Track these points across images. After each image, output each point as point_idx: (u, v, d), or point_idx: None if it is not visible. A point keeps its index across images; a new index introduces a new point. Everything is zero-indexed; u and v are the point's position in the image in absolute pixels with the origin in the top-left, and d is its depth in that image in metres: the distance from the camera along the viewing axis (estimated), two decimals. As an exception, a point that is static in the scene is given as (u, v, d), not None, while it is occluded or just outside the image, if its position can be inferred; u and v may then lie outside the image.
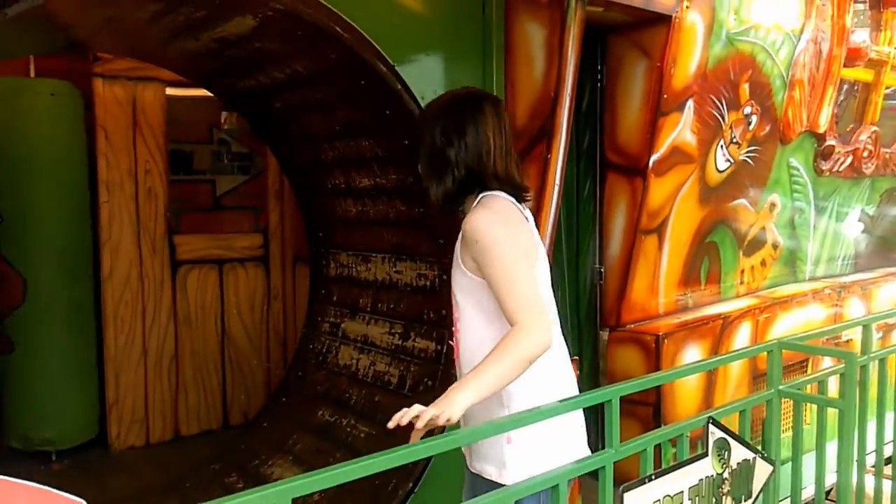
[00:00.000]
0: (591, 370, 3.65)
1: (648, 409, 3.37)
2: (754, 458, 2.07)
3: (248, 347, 4.67)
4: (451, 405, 1.46)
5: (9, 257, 3.97)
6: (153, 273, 4.32)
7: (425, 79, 2.94)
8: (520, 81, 3.06)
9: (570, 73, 2.90)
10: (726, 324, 3.70)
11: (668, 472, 1.79)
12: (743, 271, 4.13)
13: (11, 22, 2.35)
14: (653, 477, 1.75)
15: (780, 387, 2.15)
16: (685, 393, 3.46)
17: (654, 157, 3.36)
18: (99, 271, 4.17)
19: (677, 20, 3.23)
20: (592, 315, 3.69)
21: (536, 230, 1.80)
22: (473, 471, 1.75)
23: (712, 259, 3.90)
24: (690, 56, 3.38)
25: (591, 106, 3.61)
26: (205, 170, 5.11)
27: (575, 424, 1.74)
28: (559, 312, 3.71)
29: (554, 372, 1.74)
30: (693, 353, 3.50)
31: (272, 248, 4.76)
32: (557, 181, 2.98)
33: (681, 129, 3.46)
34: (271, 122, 3.50)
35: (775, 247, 4.28)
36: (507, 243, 1.59)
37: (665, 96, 3.30)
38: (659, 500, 1.77)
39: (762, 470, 2.12)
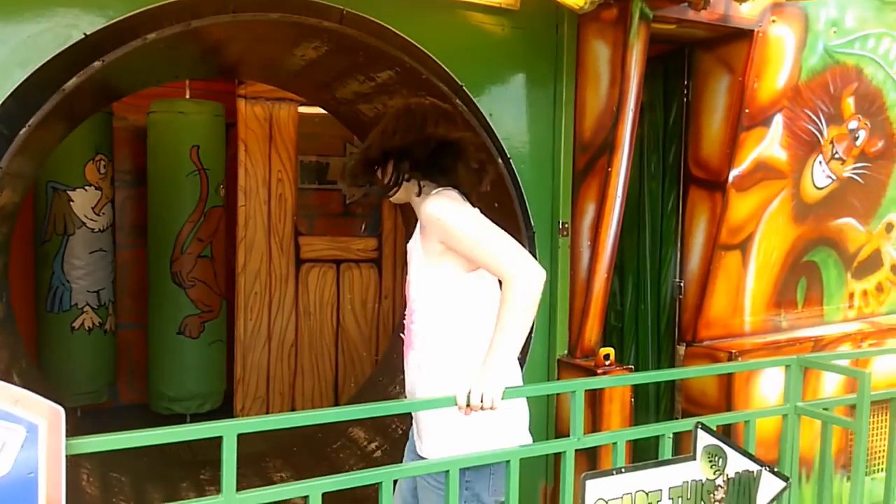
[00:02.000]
0: (667, 384, 3.65)
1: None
2: (759, 471, 2.08)
3: (360, 340, 5.13)
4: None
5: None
6: (280, 269, 4.90)
7: (496, 97, 3.17)
8: (587, 98, 3.19)
9: (632, 90, 2.99)
10: (818, 347, 3.51)
11: (641, 469, 1.88)
12: (852, 295, 3.89)
13: (172, 49, 2.91)
14: (622, 470, 1.85)
15: (799, 403, 2.12)
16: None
17: (735, 172, 3.32)
18: (234, 264, 4.82)
19: (761, 34, 3.19)
20: (671, 329, 3.68)
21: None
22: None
23: (812, 280, 3.72)
24: (777, 70, 3.31)
25: (677, 120, 3.63)
26: (337, 180, 5.68)
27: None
28: (641, 325, 3.76)
29: None
30: (773, 374, 3.39)
31: (385, 252, 5.19)
32: (619, 194, 3.07)
33: (767, 144, 3.38)
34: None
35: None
36: None
37: (747, 111, 3.26)
38: (630, 494, 1.87)
39: (771, 484, 2.11)
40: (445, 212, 1.73)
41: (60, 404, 1.24)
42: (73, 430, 1.31)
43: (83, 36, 2.45)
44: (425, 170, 1.80)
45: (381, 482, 1.56)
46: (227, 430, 1.36)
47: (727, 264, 3.45)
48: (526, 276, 1.67)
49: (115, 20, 2.47)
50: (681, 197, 3.61)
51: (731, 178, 3.32)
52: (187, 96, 4.69)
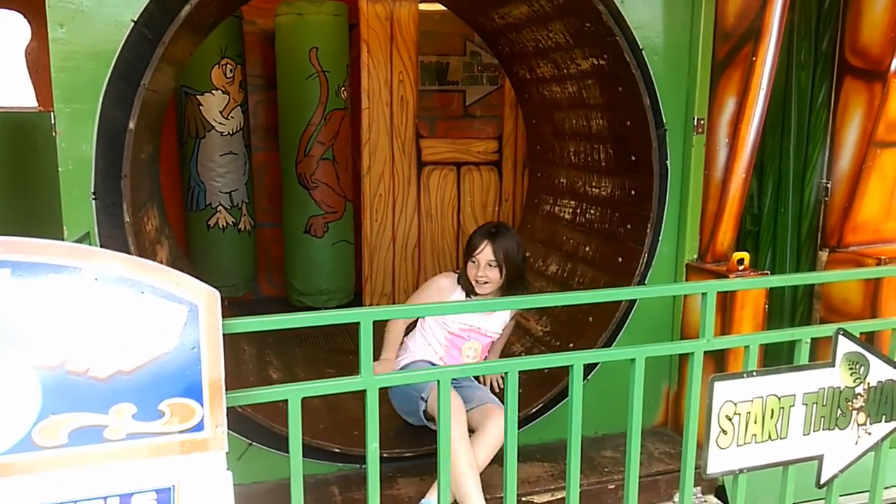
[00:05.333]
0: (805, 291, 3.46)
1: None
2: (905, 382, 1.96)
3: (481, 242, 5.19)
4: None
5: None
6: (402, 171, 4.98)
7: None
8: (732, -22, 2.91)
9: (785, -33, 2.70)
10: (984, 255, 3.19)
11: (774, 373, 1.82)
12: None
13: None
14: (754, 374, 1.80)
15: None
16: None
17: (899, 60, 2.97)
18: (359, 167, 4.95)
19: None
20: (814, 233, 3.45)
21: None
22: None
23: (982, 181, 3.33)
24: (959, -64, 2.86)
25: (833, 2, 3.26)
26: (457, 80, 5.61)
27: None
28: (780, 229, 3.56)
29: None
30: (928, 283, 3.12)
31: (505, 154, 5.13)
32: (764, 86, 2.84)
33: (940, 26, 2.98)
34: (494, 35, 3.77)
35: None
36: None
37: (919, -14, 2.87)
38: (761, 398, 1.82)
39: (918, 396, 1.99)
40: None
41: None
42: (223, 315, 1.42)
43: (214, -63, 2.49)
44: None
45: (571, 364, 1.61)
46: (364, 317, 1.44)
47: (883, 163, 3.14)
48: None
49: (243, -81, 2.49)
50: (833, 89, 3.29)
51: (893, 67, 2.98)
52: (313, -5, 4.71)
